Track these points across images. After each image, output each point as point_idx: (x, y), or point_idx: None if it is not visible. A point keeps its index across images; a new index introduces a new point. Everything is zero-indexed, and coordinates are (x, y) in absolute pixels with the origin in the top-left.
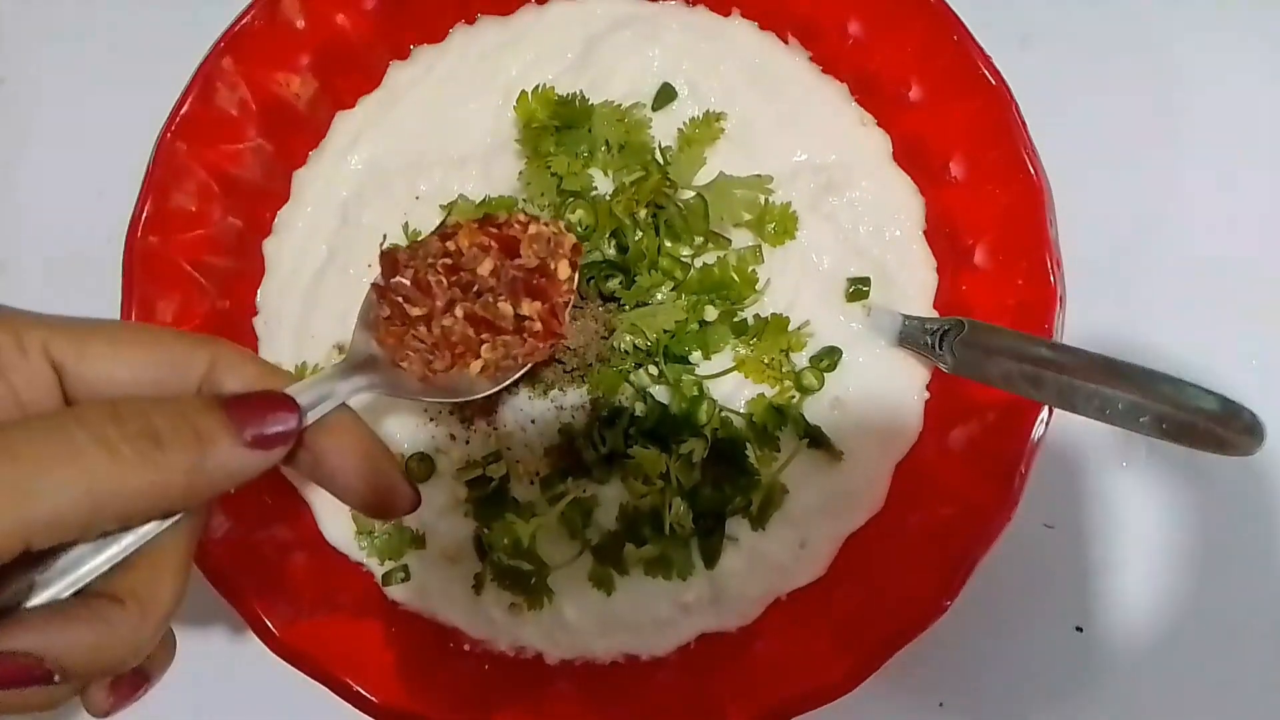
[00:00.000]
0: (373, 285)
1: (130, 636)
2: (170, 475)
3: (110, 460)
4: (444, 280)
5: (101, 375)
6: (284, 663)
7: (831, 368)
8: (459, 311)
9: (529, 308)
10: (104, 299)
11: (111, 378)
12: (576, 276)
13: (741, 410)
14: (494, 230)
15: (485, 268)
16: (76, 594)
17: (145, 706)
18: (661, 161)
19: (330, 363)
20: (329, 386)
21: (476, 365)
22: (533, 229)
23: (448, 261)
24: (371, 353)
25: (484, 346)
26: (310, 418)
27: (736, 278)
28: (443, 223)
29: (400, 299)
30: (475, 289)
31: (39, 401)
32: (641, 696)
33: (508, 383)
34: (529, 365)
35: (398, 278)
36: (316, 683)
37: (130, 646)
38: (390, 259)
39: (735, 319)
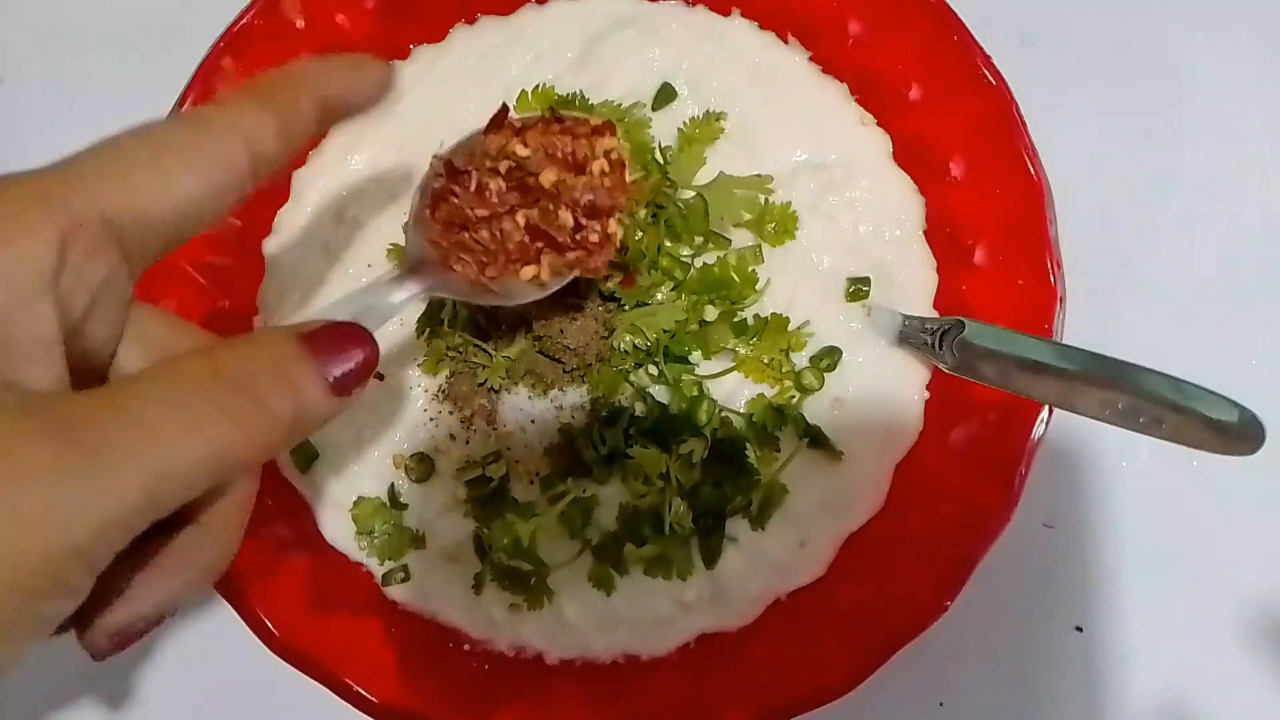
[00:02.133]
0: (428, 180)
1: (214, 565)
2: (276, 429)
3: (225, 424)
4: (503, 185)
5: (156, 218)
6: (284, 663)
7: (831, 367)
8: (520, 219)
9: (588, 219)
10: None
11: (166, 217)
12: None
13: (741, 410)
14: (560, 134)
15: (549, 178)
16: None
17: (145, 706)
18: (661, 161)
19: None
20: (386, 294)
21: (529, 271)
22: (604, 143)
23: (509, 164)
24: (425, 255)
25: (542, 257)
26: (375, 328)
27: (736, 278)
28: (500, 114)
29: (459, 202)
30: (535, 196)
31: (99, 275)
32: (641, 696)
33: (555, 289)
34: (577, 274)
35: (455, 184)
36: (316, 683)
37: (212, 574)
38: (450, 167)
39: (735, 319)
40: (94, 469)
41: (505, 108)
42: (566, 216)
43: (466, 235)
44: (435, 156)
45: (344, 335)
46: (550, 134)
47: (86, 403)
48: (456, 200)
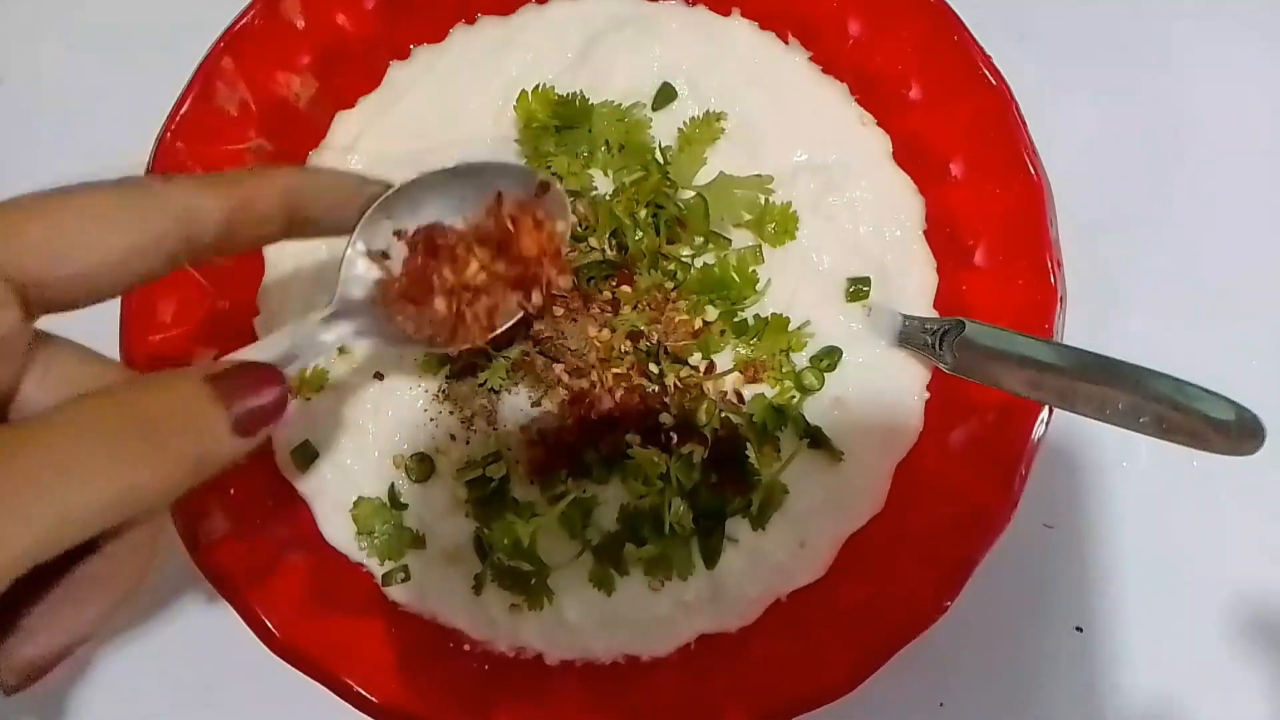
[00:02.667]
0: (366, 219)
1: (120, 596)
2: (180, 471)
3: (129, 467)
4: (479, 265)
5: (63, 279)
6: (284, 663)
7: (831, 368)
8: (484, 300)
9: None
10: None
11: (76, 279)
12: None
13: (742, 410)
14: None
15: (472, 270)
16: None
17: (145, 706)
18: (661, 161)
19: (330, 363)
20: (316, 334)
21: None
22: (530, 234)
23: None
24: (359, 297)
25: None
26: (292, 371)
27: (736, 278)
28: (497, 199)
29: (428, 272)
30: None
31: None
32: (642, 696)
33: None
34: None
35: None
36: (317, 683)
37: (119, 604)
38: (430, 241)
39: (735, 319)
40: None
41: (500, 194)
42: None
43: (417, 308)
44: (426, 229)
45: (253, 377)
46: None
47: None
48: (425, 269)
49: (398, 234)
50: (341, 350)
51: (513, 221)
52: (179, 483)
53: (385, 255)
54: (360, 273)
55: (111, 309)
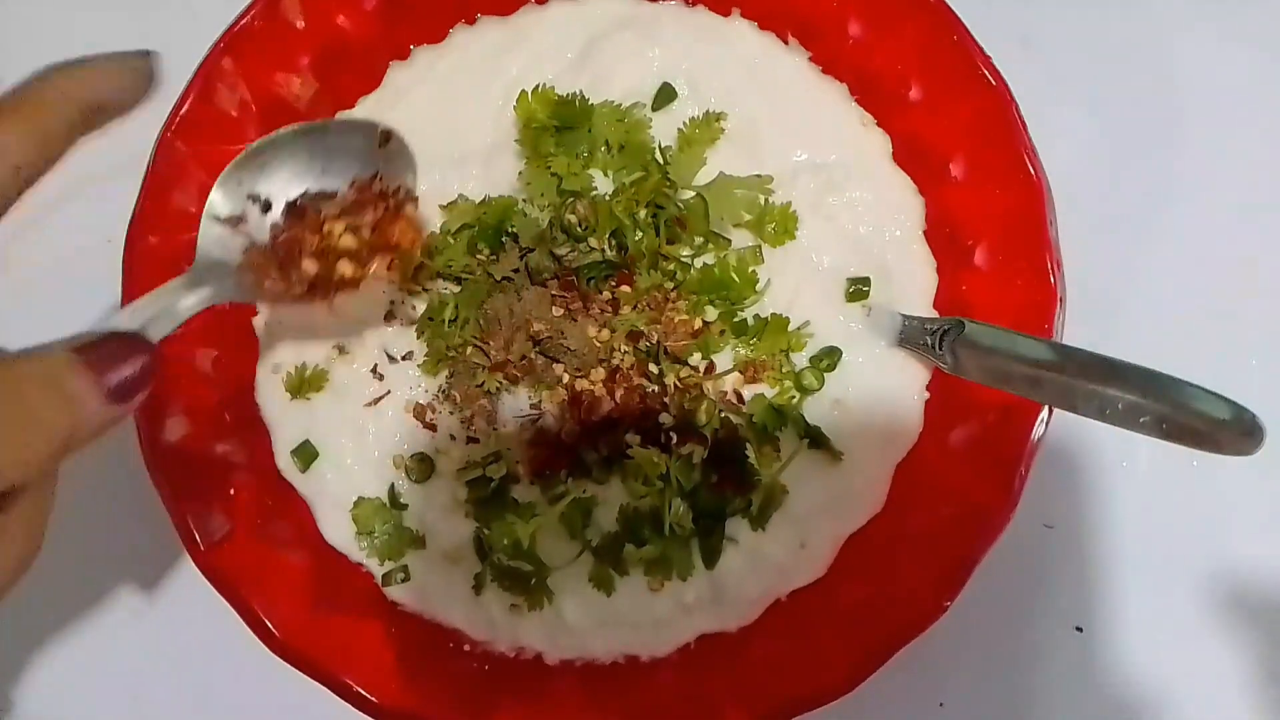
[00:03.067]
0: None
1: (15, 568)
2: (52, 441)
3: None
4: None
5: None
6: (284, 663)
7: (831, 368)
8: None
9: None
10: (104, 299)
11: None
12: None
13: (742, 410)
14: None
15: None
16: None
17: (146, 707)
18: (661, 161)
19: (330, 363)
20: (172, 301)
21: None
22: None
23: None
24: (219, 259)
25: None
26: (154, 337)
27: (736, 278)
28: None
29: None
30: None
31: None
32: (642, 697)
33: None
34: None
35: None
36: (317, 683)
37: (14, 576)
38: (301, 214)
39: (735, 319)
40: None
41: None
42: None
43: (280, 273)
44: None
45: (119, 345)
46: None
47: None
48: (294, 240)
49: (251, 197)
50: (342, 350)
51: (377, 203)
52: (53, 453)
53: (240, 219)
54: (217, 235)
55: (109, 308)
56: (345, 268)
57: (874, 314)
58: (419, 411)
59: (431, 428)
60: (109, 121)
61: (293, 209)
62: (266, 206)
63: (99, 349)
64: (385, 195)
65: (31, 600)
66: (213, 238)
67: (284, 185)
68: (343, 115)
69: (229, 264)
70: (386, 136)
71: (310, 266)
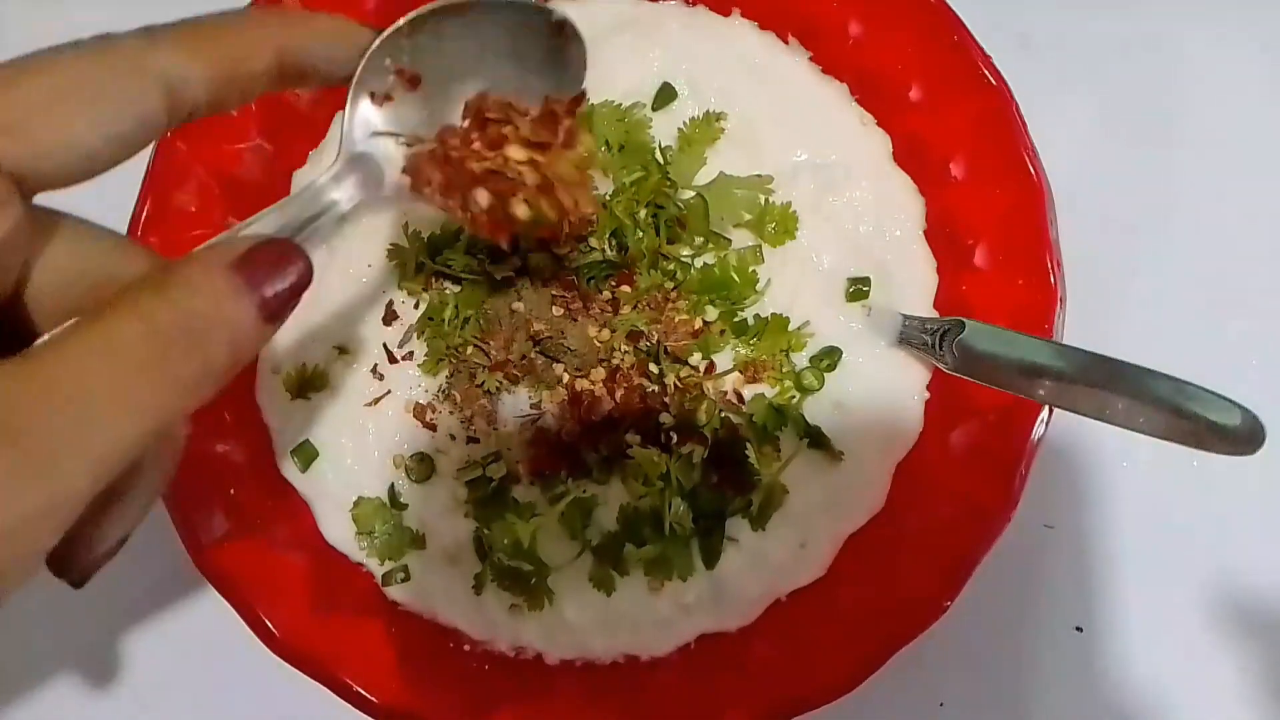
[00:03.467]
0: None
1: (154, 496)
2: (215, 380)
3: (166, 391)
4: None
5: (54, 167)
6: (284, 663)
7: (831, 368)
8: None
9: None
10: None
11: (66, 164)
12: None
13: (742, 410)
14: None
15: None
16: None
17: (146, 706)
18: (662, 161)
19: (330, 363)
20: (319, 195)
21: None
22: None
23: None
24: (364, 151)
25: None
26: (306, 241)
27: (736, 278)
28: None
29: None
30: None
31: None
32: (642, 697)
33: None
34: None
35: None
36: (317, 683)
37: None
38: (479, 113)
39: (735, 319)
40: (40, 474)
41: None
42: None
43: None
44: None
45: (277, 255)
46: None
47: (17, 391)
48: (470, 146)
49: (409, 78)
50: (342, 350)
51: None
52: (215, 386)
53: (389, 97)
54: (365, 118)
55: None
56: (519, 208)
57: (874, 314)
58: (419, 411)
59: (431, 428)
60: (308, 87)
61: (469, 111)
62: (429, 98)
63: (258, 261)
64: (559, 118)
65: (31, 600)
66: (358, 122)
67: (455, 78)
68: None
69: (371, 156)
70: (560, 28)
71: (483, 198)
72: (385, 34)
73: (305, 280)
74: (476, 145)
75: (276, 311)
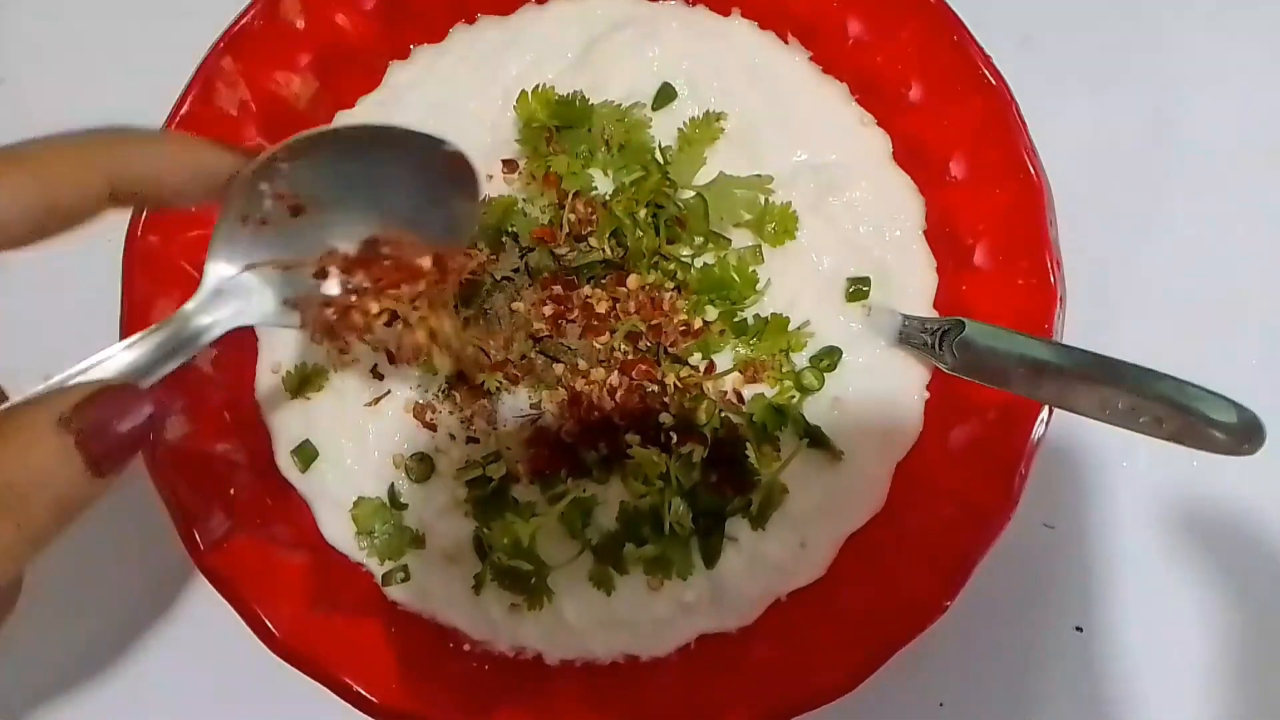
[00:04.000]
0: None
1: None
2: (35, 539)
3: None
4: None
5: None
6: (284, 663)
7: (831, 368)
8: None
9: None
10: (104, 298)
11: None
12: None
13: (742, 410)
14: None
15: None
16: None
17: (146, 706)
18: (661, 161)
19: (330, 363)
20: (190, 325)
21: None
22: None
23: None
24: (231, 282)
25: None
26: (166, 371)
27: (736, 278)
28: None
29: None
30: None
31: None
32: (641, 696)
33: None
34: None
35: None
36: (317, 683)
37: None
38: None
39: (735, 319)
40: None
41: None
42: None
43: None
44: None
45: (117, 405)
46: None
47: None
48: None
49: (280, 197)
50: (343, 351)
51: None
52: (38, 548)
53: (263, 222)
54: (234, 245)
55: (111, 308)
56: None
57: (874, 314)
58: (419, 411)
59: (431, 427)
60: (161, 208)
61: (359, 258)
62: (311, 225)
63: (90, 416)
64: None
65: (31, 600)
66: (227, 248)
67: (339, 206)
68: (343, 116)
69: (250, 285)
70: (453, 160)
71: (357, 344)
72: (259, 160)
73: (146, 430)
74: (363, 283)
75: (109, 468)
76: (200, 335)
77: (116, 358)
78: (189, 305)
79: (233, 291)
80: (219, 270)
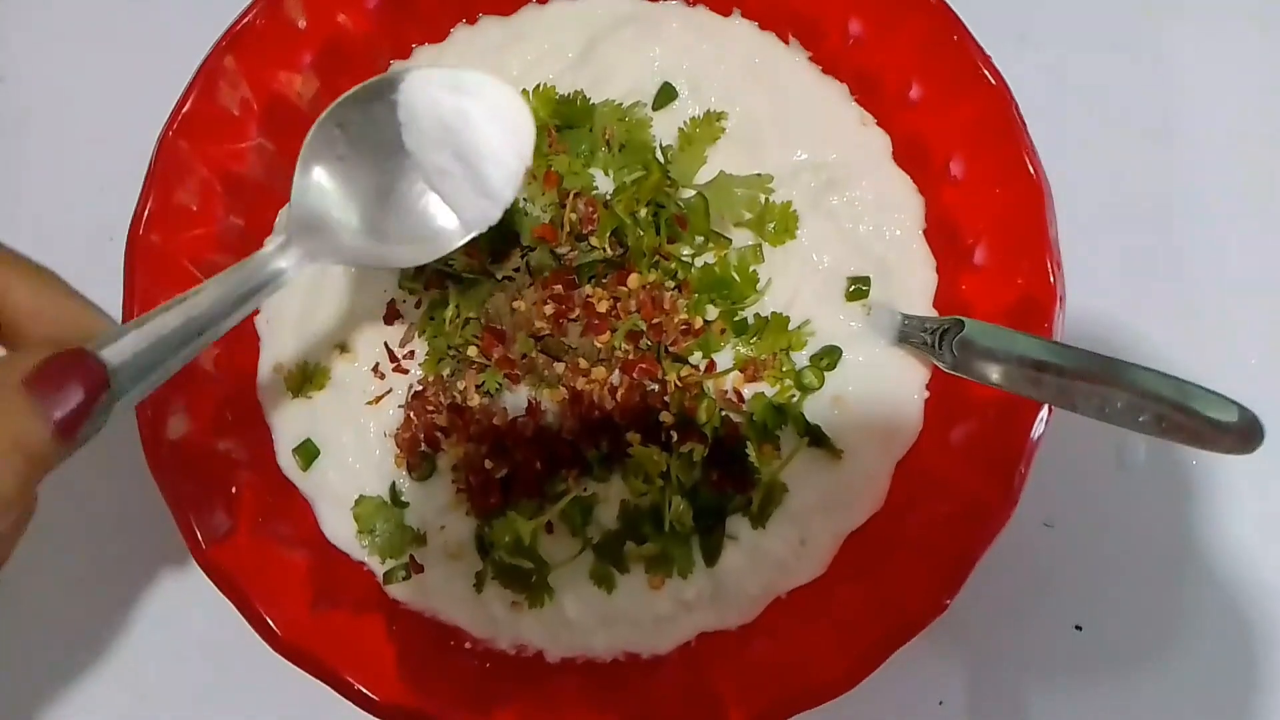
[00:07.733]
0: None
1: None
2: (3, 501)
3: None
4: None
5: None
6: (286, 662)
7: (831, 366)
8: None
9: None
10: (105, 297)
11: None
12: None
13: (742, 409)
14: None
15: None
16: None
17: (147, 706)
18: (662, 160)
19: (332, 361)
20: (269, 263)
21: None
22: None
23: None
24: (314, 218)
25: None
26: (246, 311)
27: (737, 277)
28: None
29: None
30: None
31: None
32: (642, 694)
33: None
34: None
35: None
36: (319, 681)
37: None
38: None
39: (735, 318)
40: None
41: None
42: None
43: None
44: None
45: (69, 369)
46: None
47: None
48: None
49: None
50: (343, 349)
51: None
52: (6, 513)
53: (341, 158)
54: (317, 183)
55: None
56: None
57: (874, 313)
58: (420, 409)
59: (433, 426)
60: None
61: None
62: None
63: (49, 376)
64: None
65: (32, 598)
66: (308, 187)
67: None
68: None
69: (324, 221)
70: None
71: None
72: (332, 106)
73: (94, 395)
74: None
75: (70, 429)
76: (278, 276)
77: (205, 291)
78: (268, 247)
79: (310, 233)
80: (299, 211)
